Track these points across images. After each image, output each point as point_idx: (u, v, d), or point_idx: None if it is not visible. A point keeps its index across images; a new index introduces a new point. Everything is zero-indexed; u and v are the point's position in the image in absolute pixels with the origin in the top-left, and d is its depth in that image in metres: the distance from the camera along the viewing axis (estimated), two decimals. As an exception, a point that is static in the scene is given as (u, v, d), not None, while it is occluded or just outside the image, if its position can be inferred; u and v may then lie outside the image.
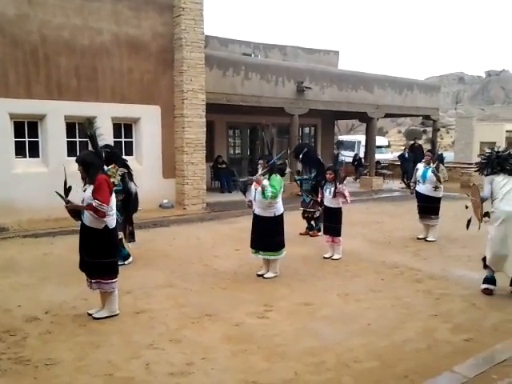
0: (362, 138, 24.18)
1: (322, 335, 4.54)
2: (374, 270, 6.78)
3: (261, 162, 6.32)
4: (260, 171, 6.25)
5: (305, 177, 9.20)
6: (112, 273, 4.90)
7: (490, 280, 5.75)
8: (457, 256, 7.58)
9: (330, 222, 7.41)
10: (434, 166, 8.45)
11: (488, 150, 6.27)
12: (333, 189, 7.24)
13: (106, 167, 5.31)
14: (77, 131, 10.84)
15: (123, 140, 11.52)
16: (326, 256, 7.40)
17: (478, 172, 6.31)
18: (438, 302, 5.46)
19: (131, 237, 7.09)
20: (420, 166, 8.77)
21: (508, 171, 5.82)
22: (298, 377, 3.74)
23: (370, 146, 18.15)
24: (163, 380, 3.69)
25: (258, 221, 6.32)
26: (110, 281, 4.88)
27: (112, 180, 5.09)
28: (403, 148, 22.00)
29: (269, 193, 6.03)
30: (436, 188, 8.51)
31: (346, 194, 7.25)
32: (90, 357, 4.05)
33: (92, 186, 4.68)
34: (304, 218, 9.21)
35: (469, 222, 5.92)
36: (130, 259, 6.99)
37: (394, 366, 3.92)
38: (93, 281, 4.87)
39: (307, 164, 9.19)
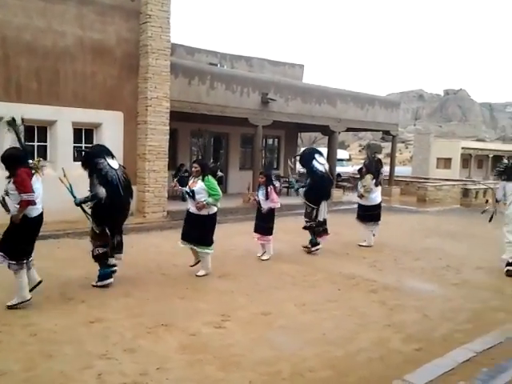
0: (324, 151, 24.57)
1: (277, 345, 4.58)
2: (331, 280, 6.89)
3: (194, 165, 6.83)
4: (193, 175, 6.83)
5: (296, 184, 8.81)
6: (17, 255, 5.18)
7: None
8: (411, 268, 7.80)
9: (262, 222, 7.91)
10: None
11: (505, 161, 7.71)
12: (265, 191, 7.80)
13: (30, 161, 5.43)
14: (36, 135, 10.59)
15: (83, 145, 11.29)
16: (259, 255, 8.00)
17: (496, 177, 7.80)
18: (392, 313, 5.60)
19: (118, 249, 6.34)
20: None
21: None
22: (253, 386, 3.76)
23: (332, 159, 18.46)
24: (116, 390, 3.63)
25: (192, 218, 6.81)
26: (13, 261, 5.18)
27: (35, 172, 5.34)
28: (363, 162, 22.49)
29: (214, 203, 6.70)
30: (361, 197, 9.39)
31: (274, 198, 7.86)
32: (40, 367, 3.94)
33: (13, 179, 5.16)
34: (304, 228, 8.69)
35: (491, 217, 7.63)
36: (109, 281, 6.16)
37: (347, 375, 4.00)
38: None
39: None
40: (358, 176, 10.16)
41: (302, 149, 16.84)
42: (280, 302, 5.86)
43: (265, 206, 7.86)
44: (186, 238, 6.85)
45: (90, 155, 6.24)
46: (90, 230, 6.25)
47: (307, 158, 8.64)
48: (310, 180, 8.44)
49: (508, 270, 7.36)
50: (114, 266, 6.31)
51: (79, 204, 6.00)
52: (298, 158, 9.18)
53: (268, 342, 4.65)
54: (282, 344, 4.61)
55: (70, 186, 6.03)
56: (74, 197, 6.00)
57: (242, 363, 4.14)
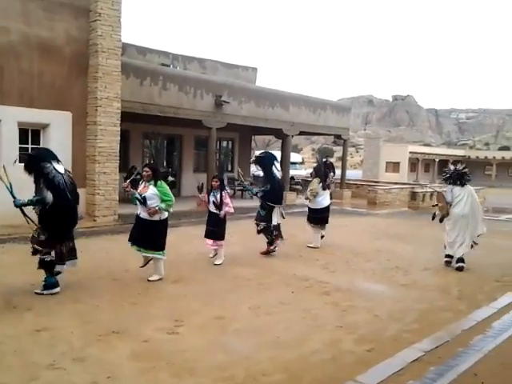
0: (277, 154, 24.79)
1: (231, 349, 4.56)
2: (285, 282, 6.94)
3: (145, 169, 6.74)
4: (144, 179, 6.77)
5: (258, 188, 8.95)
6: None
7: (449, 256, 8.22)
8: (362, 269, 7.97)
9: (214, 227, 7.78)
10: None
11: (451, 167, 8.41)
12: (218, 196, 7.68)
13: None
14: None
15: (30, 146, 10.85)
16: (211, 256, 7.93)
17: (444, 181, 8.53)
18: (344, 314, 5.70)
19: (72, 255, 6.09)
20: None
21: (462, 184, 8.03)
22: (207, 392, 3.72)
23: (285, 162, 18.64)
24: (64, 402, 3.50)
25: (143, 224, 6.65)
26: None
27: None
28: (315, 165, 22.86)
29: (167, 208, 6.60)
30: (308, 200, 9.65)
31: (229, 202, 7.79)
32: (-19, 380, 3.74)
33: None
34: (258, 232, 8.69)
35: (433, 216, 8.43)
36: (57, 290, 5.90)
37: (301, 378, 4.03)
38: None
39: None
40: (310, 179, 10.35)
41: (257, 152, 16.98)
42: (234, 305, 5.84)
43: (222, 210, 7.70)
44: (133, 239, 6.76)
45: (36, 159, 5.92)
46: (35, 238, 5.89)
47: (268, 162, 8.79)
48: (268, 183, 8.54)
49: (458, 267, 8.02)
50: (59, 272, 6.05)
51: (19, 206, 5.73)
52: (254, 160, 9.25)
53: (222, 346, 4.62)
54: (236, 348, 4.59)
55: (11, 184, 5.75)
56: (14, 197, 5.73)
57: (195, 369, 4.09)
